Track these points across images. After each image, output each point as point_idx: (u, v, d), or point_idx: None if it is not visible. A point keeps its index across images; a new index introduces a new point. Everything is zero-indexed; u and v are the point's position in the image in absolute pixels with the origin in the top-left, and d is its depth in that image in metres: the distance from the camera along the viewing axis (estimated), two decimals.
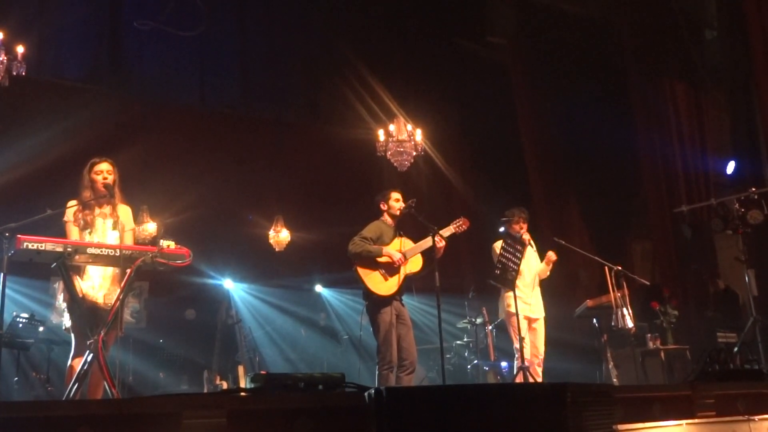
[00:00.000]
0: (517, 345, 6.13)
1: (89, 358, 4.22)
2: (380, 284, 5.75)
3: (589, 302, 7.24)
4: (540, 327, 6.40)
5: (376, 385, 4.76)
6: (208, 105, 10.36)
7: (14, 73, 5.69)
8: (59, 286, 4.73)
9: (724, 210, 7.65)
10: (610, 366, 7.10)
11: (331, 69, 10.51)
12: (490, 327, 8.29)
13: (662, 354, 7.91)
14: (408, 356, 5.69)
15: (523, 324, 6.17)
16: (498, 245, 6.21)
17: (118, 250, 4.32)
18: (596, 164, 10.48)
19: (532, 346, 6.26)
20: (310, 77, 10.94)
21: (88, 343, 4.26)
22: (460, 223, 5.94)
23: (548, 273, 6.55)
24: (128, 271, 4.34)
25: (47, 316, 7.49)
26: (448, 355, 8.51)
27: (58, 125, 8.08)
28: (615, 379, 6.99)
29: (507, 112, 10.74)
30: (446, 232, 5.84)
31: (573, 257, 6.62)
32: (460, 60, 11.00)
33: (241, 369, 8.21)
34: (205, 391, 7.79)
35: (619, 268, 6.55)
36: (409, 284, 5.99)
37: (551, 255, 6.43)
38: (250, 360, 8.72)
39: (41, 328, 7.20)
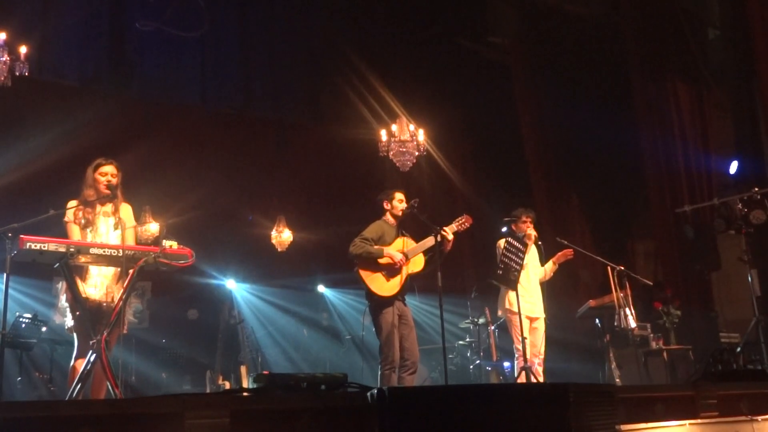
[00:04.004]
0: (518, 345, 6.13)
1: (92, 359, 4.23)
2: (382, 285, 5.73)
3: (591, 302, 7.25)
4: (540, 326, 6.38)
5: (379, 385, 4.76)
6: (209, 105, 10.33)
7: (17, 74, 5.71)
8: (62, 286, 4.73)
9: (727, 210, 7.65)
10: (613, 366, 7.10)
11: (333, 69, 10.49)
12: (492, 327, 8.28)
13: (665, 354, 7.90)
14: (410, 356, 5.68)
15: (525, 323, 6.16)
16: (502, 242, 6.19)
17: (120, 251, 4.32)
18: (598, 164, 10.45)
19: (532, 346, 6.23)
20: (312, 78, 10.92)
21: (90, 343, 4.27)
22: (463, 220, 5.92)
23: (551, 274, 6.54)
24: (131, 271, 4.34)
25: (50, 316, 7.49)
26: (450, 356, 8.50)
27: (61, 126, 8.08)
28: (618, 380, 6.99)
29: (509, 112, 10.73)
30: (449, 230, 5.83)
31: (575, 257, 6.62)
32: (461, 60, 10.99)
33: (243, 369, 8.22)
34: (208, 391, 7.79)
35: (622, 268, 6.55)
36: (412, 284, 5.97)
37: (565, 253, 6.42)
38: (252, 360, 8.73)
39: (44, 329, 7.22)
